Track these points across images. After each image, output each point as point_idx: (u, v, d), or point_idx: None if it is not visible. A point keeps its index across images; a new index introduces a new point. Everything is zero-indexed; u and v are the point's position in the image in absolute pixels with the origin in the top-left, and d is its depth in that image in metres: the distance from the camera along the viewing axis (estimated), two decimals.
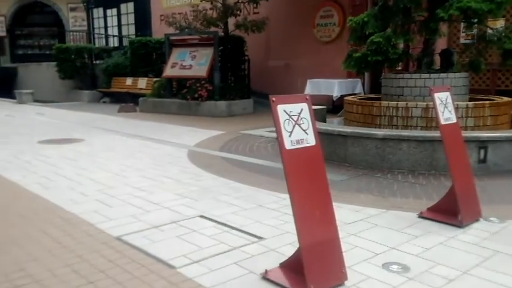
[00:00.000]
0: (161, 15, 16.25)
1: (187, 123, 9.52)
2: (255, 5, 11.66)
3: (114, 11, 19.00)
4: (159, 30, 16.19)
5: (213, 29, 11.17)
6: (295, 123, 2.54)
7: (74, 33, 20.27)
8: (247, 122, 9.59)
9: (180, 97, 11.28)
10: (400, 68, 8.31)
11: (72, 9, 21.06)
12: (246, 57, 12.12)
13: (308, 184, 2.54)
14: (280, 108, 2.47)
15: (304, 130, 2.57)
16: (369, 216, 3.67)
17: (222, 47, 11.41)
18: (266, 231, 3.32)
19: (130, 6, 18.03)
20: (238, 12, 11.31)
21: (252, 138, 7.52)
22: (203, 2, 11.28)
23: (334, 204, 2.65)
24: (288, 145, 2.45)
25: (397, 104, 5.86)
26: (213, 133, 8.16)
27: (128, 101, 14.34)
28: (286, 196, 2.46)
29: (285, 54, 12.48)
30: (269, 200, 4.06)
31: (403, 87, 6.18)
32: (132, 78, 14.68)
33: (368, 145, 5.35)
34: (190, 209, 3.82)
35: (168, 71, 11.74)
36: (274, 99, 2.46)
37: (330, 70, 10.76)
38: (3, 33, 21.09)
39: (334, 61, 10.10)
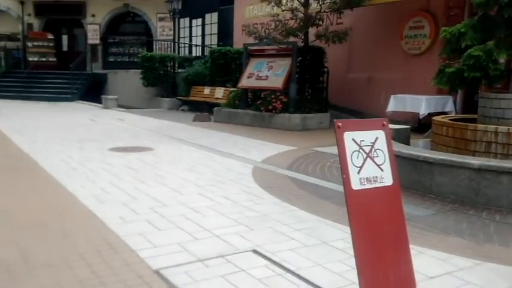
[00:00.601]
0: (243, 26, 16.09)
1: (258, 136, 9.15)
2: (338, 14, 11.09)
3: (199, 21, 19.37)
4: (240, 40, 16.12)
5: (292, 39, 10.76)
6: (367, 156, 1.99)
7: (161, 42, 20.97)
8: (321, 138, 9.01)
9: (254, 108, 10.98)
10: (499, 87, 7.29)
11: (161, 19, 21.85)
12: (325, 69, 11.56)
13: (380, 236, 1.96)
14: (348, 137, 1.93)
15: (378, 165, 2.01)
16: (459, 269, 2.97)
17: (300, 58, 10.96)
18: (327, 279, 2.76)
19: (215, 16, 18.25)
20: (320, 22, 10.80)
21: (325, 157, 6.94)
22: (284, 11, 10.91)
23: (413, 247, 2.08)
24: (355, 184, 1.91)
25: (497, 128, 5.00)
26: (283, 148, 7.70)
27: (204, 110, 14.37)
28: None
29: (367, 66, 11.72)
30: (336, 236, 3.49)
31: (505, 108, 5.29)
32: (210, 87, 14.71)
33: (460, 175, 4.56)
34: (244, 241, 3.36)
35: (244, 81, 11.50)
36: (340, 124, 1.92)
37: (417, 85, 9.85)
38: (97, 41, 22.40)
39: (422, 76, 9.22)
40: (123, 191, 4.64)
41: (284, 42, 10.80)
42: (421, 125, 9.16)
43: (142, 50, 21.13)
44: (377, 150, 2.03)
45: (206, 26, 18.91)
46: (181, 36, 20.61)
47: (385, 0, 10.36)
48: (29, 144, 7.50)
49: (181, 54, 19.61)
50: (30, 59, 22.03)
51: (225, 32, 17.60)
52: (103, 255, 3.03)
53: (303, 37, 10.93)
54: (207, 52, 18.31)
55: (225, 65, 14.21)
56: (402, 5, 10.38)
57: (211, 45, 18.02)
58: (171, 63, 16.95)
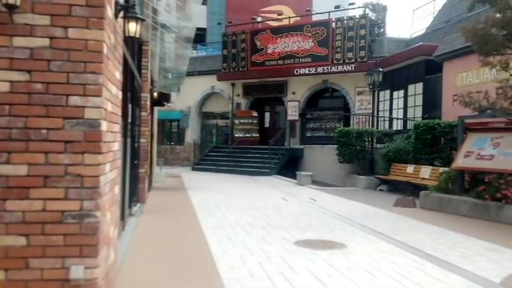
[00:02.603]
0: (454, 95, 14.10)
1: (483, 234, 6.97)
2: None
3: (401, 92, 17.89)
4: (450, 112, 14.02)
5: None
6: None
7: (358, 116, 20.11)
8: None
9: (474, 195, 8.75)
10: None
11: (359, 93, 21.14)
12: None
13: None
14: None
15: None
16: None
17: None
18: None
19: (419, 87, 16.54)
20: None
21: None
22: None
23: None
24: None
25: None
26: None
27: (407, 191, 12.53)
28: None
29: None
30: None
31: None
32: (413, 165, 12.85)
33: None
34: None
35: (460, 161, 9.41)
36: None
37: None
38: (296, 117, 22.80)
39: None
40: None
41: None
42: None
43: (339, 124, 20.56)
44: None
45: (409, 98, 17.26)
46: (380, 109, 19.39)
47: None
48: (213, 230, 6.99)
49: (380, 128, 18.26)
50: (236, 134, 23.65)
51: (432, 103, 15.68)
52: None
53: None
54: (409, 126, 16.58)
55: (432, 141, 12.28)
56: None
57: (414, 118, 16.24)
58: (369, 138, 15.70)
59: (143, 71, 9.46)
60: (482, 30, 8.36)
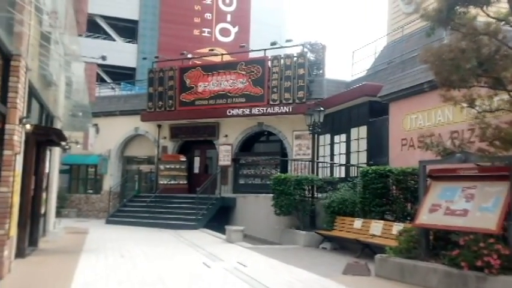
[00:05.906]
0: (403, 139, 12.60)
1: None
2: None
3: (343, 136, 16.25)
4: (399, 157, 12.46)
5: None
6: None
7: (297, 162, 18.25)
8: None
9: (447, 261, 6.79)
10: None
11: (297, 137, 19.42)
12: None
13: None
14: None
15: None
16: None
17: None
18: None
19: (363, 130, 14.97)
20: None
21: None
22: (496, 112, 7.03)
23: None
24: None
25: None
26: None
27: (356, 251, 10.51)
28: None
29: None
30: None
31: None
32: (362, 219, 10.91)
33: None
34: None
35: (424, 217, 7.51)
36: None
37: None
38: (229, 163, 20.58)
39: None
40: None
41: (495, 158, 6.81)
42: None
43: (275, 171, 18.54)
44: None
45: (352, 142, 15.65)
46: (320, 154, 17.66)
47: None
48: None
49: (321, 175, 16.40)
50: (161, 182, 20.94)
51: (377, 148, 14.12)
52: None
53: None
54: (353, 173, 14.87)
55: (383, 190, 10.47)
56: None
57: (358, 164, 14.56)
58: (310, 187, 13.70)
59: (10, 94, 6.88)
60: (450, 53, 6.72)
